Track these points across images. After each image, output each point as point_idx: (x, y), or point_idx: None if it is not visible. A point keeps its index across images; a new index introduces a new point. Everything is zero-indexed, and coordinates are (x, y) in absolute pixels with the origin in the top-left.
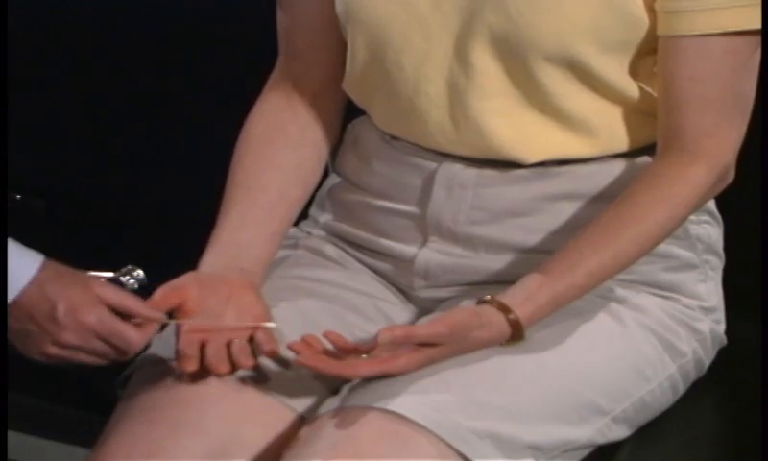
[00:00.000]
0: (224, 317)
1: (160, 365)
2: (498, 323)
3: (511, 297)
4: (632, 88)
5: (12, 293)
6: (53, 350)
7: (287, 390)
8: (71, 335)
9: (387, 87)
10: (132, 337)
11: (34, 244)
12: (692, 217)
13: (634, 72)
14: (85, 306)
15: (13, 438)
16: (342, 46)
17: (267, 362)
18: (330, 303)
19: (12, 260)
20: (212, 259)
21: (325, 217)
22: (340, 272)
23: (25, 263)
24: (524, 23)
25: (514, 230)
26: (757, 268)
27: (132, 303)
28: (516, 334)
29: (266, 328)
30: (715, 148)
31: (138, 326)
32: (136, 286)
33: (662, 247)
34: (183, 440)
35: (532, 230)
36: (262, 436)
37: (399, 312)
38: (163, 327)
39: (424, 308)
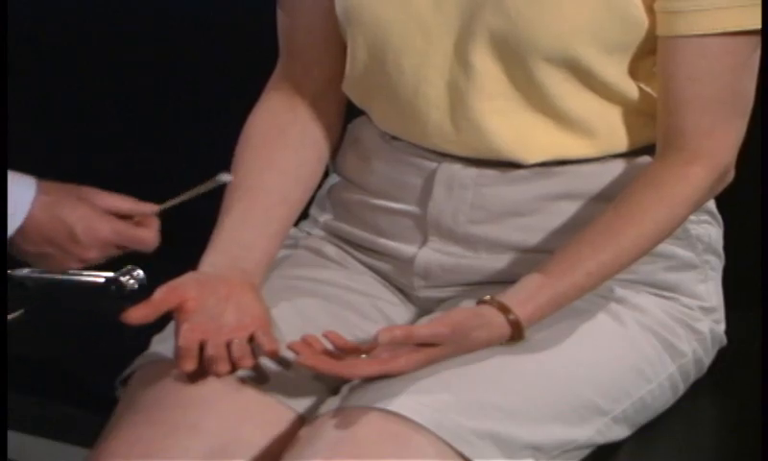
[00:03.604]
0: (223, 317)
1: (160, 365)
2: (498, 323)
3: (511, 297)
4: (631, 89)
5: (17, 219)
6: (77, 266)
7: (287, 390)
8: (94, 252)
9: (387, 89)
10: (147, 236)
11: None
12: (692, 217)
13: (633, 73)
14: (98, 221)
15: (13, 438)
16: (342, 47)
17: (267, 362)
18: (330, 302)
19: (9, 187)
20: (213, 259)
21: (325, 217)
22: (340, 272)
23: (21, 188)
24: (524, 24)
25: (513, 229)
26: (757, 268)
27: (127, 204)
28: (516, 334)
29: (265, 329)
30: (714, 148)
31: (138, 223)
32: (136, 286)
33: (662, 247)
34: (183, 440)
35: (532, 230)
36: (262, 436)
37: (399, 312)
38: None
39: (424, 308)
